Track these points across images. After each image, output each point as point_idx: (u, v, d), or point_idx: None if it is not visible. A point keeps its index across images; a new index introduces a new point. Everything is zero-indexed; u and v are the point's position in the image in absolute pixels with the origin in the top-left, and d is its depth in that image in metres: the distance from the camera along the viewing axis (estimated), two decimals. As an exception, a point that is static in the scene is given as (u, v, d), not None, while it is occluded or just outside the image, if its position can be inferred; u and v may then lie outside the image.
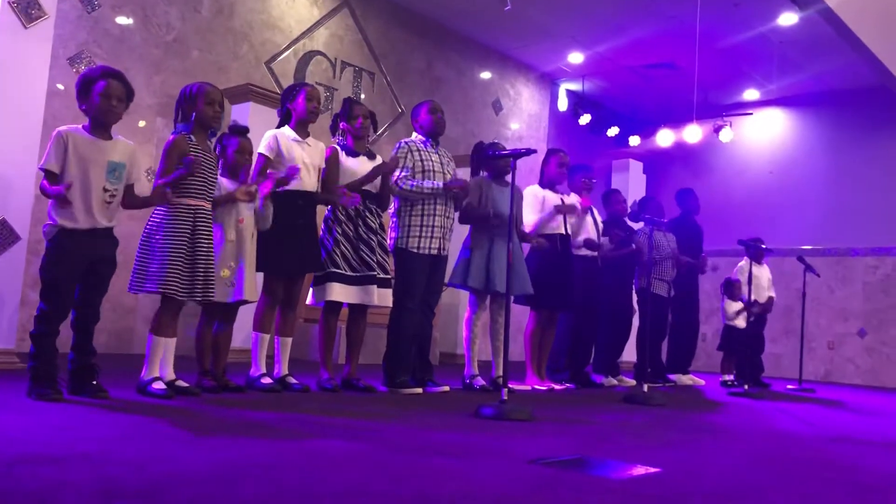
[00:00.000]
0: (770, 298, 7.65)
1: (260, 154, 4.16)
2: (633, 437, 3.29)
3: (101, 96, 3.28)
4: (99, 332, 3.45)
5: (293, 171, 4.02)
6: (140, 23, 6.45)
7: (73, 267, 3.24)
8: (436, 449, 2.63)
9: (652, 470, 2.39)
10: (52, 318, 3.21)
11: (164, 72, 6.56)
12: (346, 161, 4.42)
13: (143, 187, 6.19)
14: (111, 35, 6.26)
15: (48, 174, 3.21)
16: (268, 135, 4.22)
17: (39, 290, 3.25)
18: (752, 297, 7.00)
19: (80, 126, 3.32)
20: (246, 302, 4.02)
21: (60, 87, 5.88)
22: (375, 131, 4.75)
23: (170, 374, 3.61)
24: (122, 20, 6.33)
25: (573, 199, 5.67)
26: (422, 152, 4.69)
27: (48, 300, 3.21)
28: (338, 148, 4.45)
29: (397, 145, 4.73)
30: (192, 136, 3.60)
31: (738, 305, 7.43)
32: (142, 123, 6.40)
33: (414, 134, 4.85)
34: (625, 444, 3.04)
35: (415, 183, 4.58)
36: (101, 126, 3.32)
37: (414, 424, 3.20)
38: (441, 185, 4.61)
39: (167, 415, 2.96)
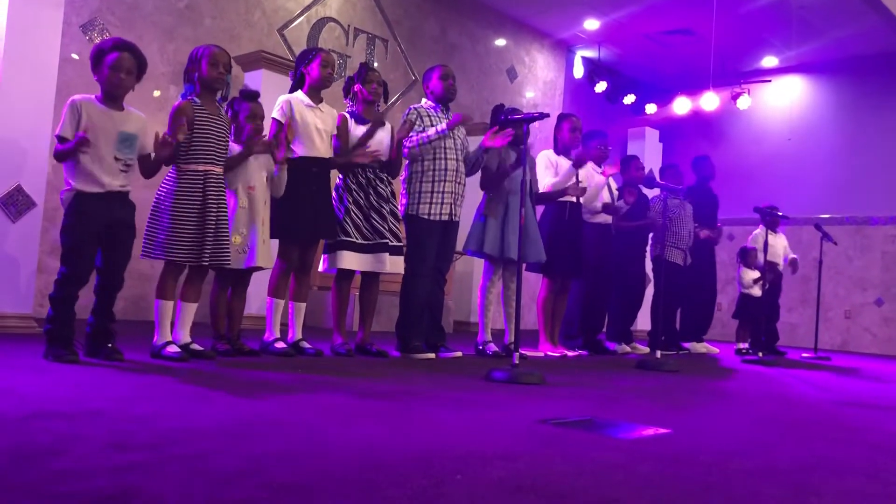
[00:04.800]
0: (794, 259, 7.59)
1: (273, 119, 4.15)
2: (644, 400, 3.29)
3: (110, 69, 3.30)
4: (117, 298, 3.48)
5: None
6: (152, -10, 6.42)
7: (92, 229, 3.27)
8: (446, 408, 2.64)
9: (662, 431, 2.39)
10: (73, 281, 3.25)
11: (176, 39, 6.54)
12: (356, 128, 4.40)
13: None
14: (124, 2, 6.24)
15: (62, 141, 3.24)
16: (281, 99, 4.21)
17: (60, 254, 3.29)
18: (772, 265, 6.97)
19: (92, 96, 3.35)
20: (260, 268, 4.04)
21: (75, 56, 5.88)
22: (386, 102, 4.73)
23: (185, 338, 3.65)
24: (135, -13, 6.31)
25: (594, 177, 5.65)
26: (432, 117, 4.66)
27: (69, 263, 3.25)
28: (347, 115, 4.44)
29: (407, 110, 4.71)
30: (198, 99, 3.60)
31: (755, 274, 7.38)
32: (156, 93, 6.40)
33: (424, 100, 4.82)
34: (636, 407, 3.05)
35: (418, 138, 4.55)
36: (112, 97, 3.35)
37: (425, 386, 3.22)
38: (445, 126, 4.57)
39: (180, 376, 2.99)
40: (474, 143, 4.96)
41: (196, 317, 3.79)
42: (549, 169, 5.40)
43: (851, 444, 2.45)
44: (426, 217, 4.59)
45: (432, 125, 4.62)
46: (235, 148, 3.89)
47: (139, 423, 1.99)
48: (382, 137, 4.50)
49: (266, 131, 4.07)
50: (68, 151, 3.21)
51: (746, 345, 7.43)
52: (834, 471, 2.00)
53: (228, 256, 3.68)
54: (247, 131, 3.88)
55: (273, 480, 1.49)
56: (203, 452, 1.69)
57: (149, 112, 6.20)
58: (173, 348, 3.49)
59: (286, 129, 4.07)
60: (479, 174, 5.01)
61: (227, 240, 3.66)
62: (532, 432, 2.25)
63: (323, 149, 4.23)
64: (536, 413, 2.60)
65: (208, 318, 4.07)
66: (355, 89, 4.48)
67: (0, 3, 4.45)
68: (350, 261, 4.32)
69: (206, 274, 3.70)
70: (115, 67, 3.30)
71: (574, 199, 5.43)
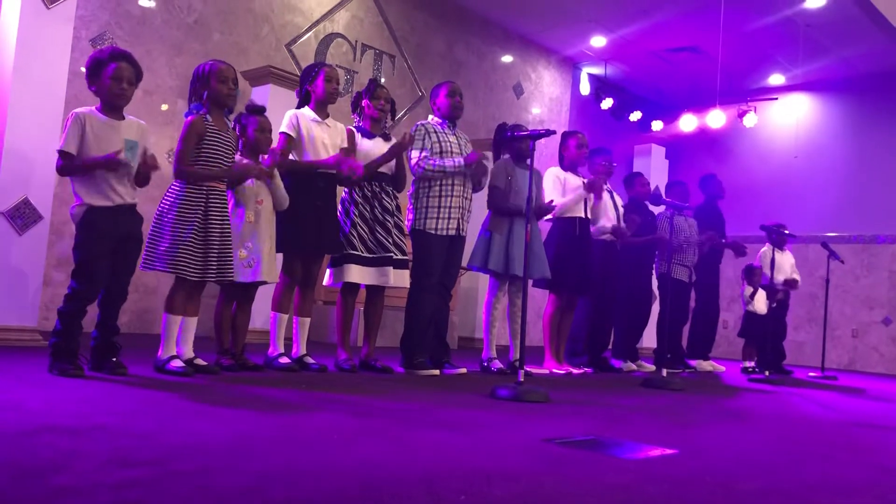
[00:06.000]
0: (794, 280, 7.54)
1: (282, 133, 4.17)
2: (649, 419, 3.27)
3: (111, 79, 3.32)
4: (121, 311, 3.48)
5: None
6: (161, 4, 6.47)
7: (105, 244, 3.28)
8: (449, 426, 2.63)
9: (668, 451, 2.37)
10: (83, 297, 3.25)
11: (185, 54, 6.58)
12: (362, 142, 4.42)
13: (164, 169, 6.24)
14: (133, 16, 6.28)
15: (65, 156, 3.24)
16: (289, 114, 4.23)
17: (73, 269, 3.29)
18: (775, 283, 6.94)
19: (93, 108, 3.37)
20: (265, 283, 4.04)
21: (84, 69, 5.91)
22: (393, 119, 4.74)
23: (188, 353, 3.64)
24: (144, 2, 6.35)
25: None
26: (439, 134, 4.67)
27: (80, 279, 3.24)
28: (353, 129, 4.46)
29: (414, 127, 4.72)
30: (209, 116, 3.60)
31: (759, 291, 7.35)
32: (164, 107, 6.43)
33: (431, 116, 4.83)
34: (641, 427, 3.02)
35: (437, 162, 4.56)
36: (113, 107, 3.37)
37: (429, 403, 3.20)
38: (462, 160, 4.58)
39: (184, 390, 2.98)
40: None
41: (200, 331, 3.79)
42: (556, 186, 5.39)
43: (859, 465, 2.43)
44: (433, 232, 4.59)
45: (439, 142, 4.62)
46: (245, 162, 3.90)
47: (142, 438, 1.98)
48: (385, 149, 4.51)
49: (274, 145, 4.09)
50: (86, 166, 3.22)
51: (753, 363, 7.39)
52: (841, 492, 1.98)
53: (232, 271, 3.67)
54: (253, 142, 3.88)
55: (274, 498, 1.48)
56: (205, 469, 1.68)
57: (156, 126, 6.27)
58: (177, 363, 3.48)
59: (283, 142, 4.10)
60: (485, 192, 5.02)
61: (230, 253, 3.66)
62: (536, 452, 2.24)
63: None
64: (541, 432, 2.58)
65: (212, 333, 4.07)
66: (363, 105, 4.49)
67: (11, 16, 4.50)
68: (355, 274, 4.32)
69: (203, 288, 3.69)
70: (117, 78, 3.32)
71: (583, 215, 5.42)
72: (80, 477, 1.54)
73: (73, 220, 3.31)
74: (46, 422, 2.12)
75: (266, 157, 3.93)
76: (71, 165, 3.25)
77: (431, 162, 4.55)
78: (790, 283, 7.47)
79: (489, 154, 5.09)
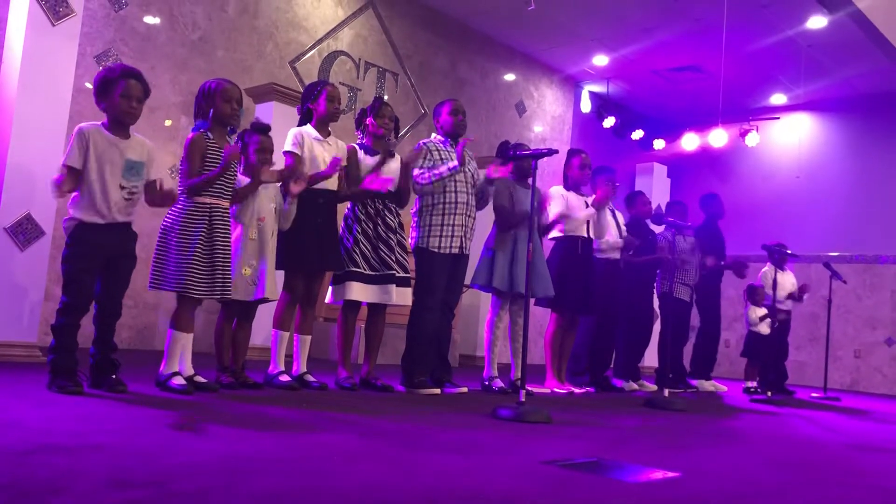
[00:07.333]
0: (803, 285, 7.52)
1: (288, 152, 4.16)
2: (652, 441, 3.25)
3: (121, 97, 3.32)
4: (120, 327, 3.47)
5: (335, 163, 4.07)
6: (166, 22, 6.50)
7: (93, 260, 3.27)
8: (450, 447, 2.61)
9: (671, 474, 2.35)
10: (73, 310, 3.24)
11: (189, 71, 6.60)
12: (366, 159, 4.43)
13: (168, 185, 6.24)
14: (138, 34, 6.31)
15: (69, 170, 3.24)
16: (292, 132, 4.24)
17: (62, 283, 3.28)
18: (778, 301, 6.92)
19: (99, 123, 3.36)
20: (267, 300, 4.03)
21: (89, 85, 5.93)
22: (397, 136, 4.74)
23: (188, 370, 3.62)
24: (149, 19, 6.39)
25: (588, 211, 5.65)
26: (441, 152, 4.67)
27: (69, 293, 3.24)
28: (356, 146, 4.46)
29: (417, 146, 4.71)
30: (210, 134, 3.60)
31: (762, 311, 7.33)
32: (168, 122, 6.45)
33: (434, 134, 4.83)
34: (643, 448, 3.00)
35: (431, 174, 4.55)
36: (121, 125, 3.37)
37: (430, 423, 3.18)
38: (457, 161, 4.57)
39: (183, 409, 2.96)
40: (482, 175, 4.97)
41: (200, 347, 3.77)
42: (559, 202, 5.33)
43: (864, 489, 2.41)
44: (436, 250, 4.58)
45: (442, 160, 4.62)
46: (244, 180, 3.90)
47: (140, 458, 1.97)
48: (393, 167, 4.52)
49: (278, 165, 4.08)
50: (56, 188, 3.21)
51: (755, 383, 7.35)
52: (846, 519, 1.96)
53: (231, 288, 3.66)
54: (253, 161, 3.89)
55: (274, 522, 1.46)
56: (204, 490, 1.67)
57: (159, 142, 6.28)
58: (179, 380, 3.46)
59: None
60: (488, 211, 5.01)
61: (230, 271, 3.65)
62: (537, 474, 2.22)
63: (330, 182, 4.24)
64: (542, 453, 2.56)
65: (212, 349, 4.05)
66: (367, 122, 4.50)
67: (17, 33, 4.52)
68: (357, 292, 4.31)
69: (200, 303, 3.68)
70: (126, 96, 3.32)
71: (586, 234, 5.40)
72: (77, 499, 1.52)
73: (65, 232, 3.31)
74: (45, 440, 2.11)
75: (295, 182, 3.96)
76: (72, 179, 3.25)
77: (427, 176, 4.55)
78: (803, 289, 7.46)
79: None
